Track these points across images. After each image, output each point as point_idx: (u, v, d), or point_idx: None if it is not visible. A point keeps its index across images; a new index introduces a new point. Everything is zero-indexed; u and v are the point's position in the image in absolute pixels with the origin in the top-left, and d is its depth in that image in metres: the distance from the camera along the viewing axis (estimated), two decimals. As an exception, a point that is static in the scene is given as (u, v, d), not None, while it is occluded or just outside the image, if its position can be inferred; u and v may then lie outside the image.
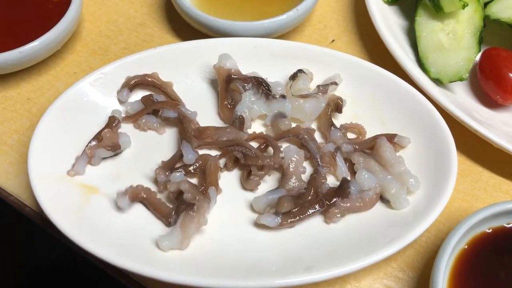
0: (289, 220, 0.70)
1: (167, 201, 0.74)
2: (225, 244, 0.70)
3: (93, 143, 0.76)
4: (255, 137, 0.80)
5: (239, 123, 0.80)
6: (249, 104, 0.81)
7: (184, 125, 0.79)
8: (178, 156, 0.76)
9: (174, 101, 0.83)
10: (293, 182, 0.75)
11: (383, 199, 0.75)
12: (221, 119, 0.84)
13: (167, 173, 0.74)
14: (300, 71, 0.83)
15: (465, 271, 0.67)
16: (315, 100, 0.81)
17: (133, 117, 0.81)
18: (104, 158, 0.77)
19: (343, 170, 0.77)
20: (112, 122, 0.79)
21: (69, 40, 0.92)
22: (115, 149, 0.77)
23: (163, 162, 0.76)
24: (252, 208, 0.75)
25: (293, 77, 0.83)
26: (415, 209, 0.73)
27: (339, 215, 0.72)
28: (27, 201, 0.79)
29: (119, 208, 0.72)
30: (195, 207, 0.69)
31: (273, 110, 0.81)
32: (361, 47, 0.98)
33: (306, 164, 0.79)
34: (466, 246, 0.68)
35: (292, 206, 0.71)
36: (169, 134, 0.82)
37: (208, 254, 0.69)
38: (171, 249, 0.68)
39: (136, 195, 0.73)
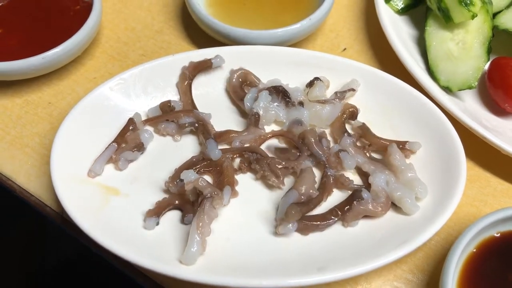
0: (304, 229, 0.73)
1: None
2: (240, 244, 0.72)
3: (113, 145, 0.79)
4: (277, 134, 0.83)
5: (255, 120, 0.82)
6: (265, 102, 0.83)
7: (205, 127, 0.82)
8: (187, 164, 0.79)
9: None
10: (305, 188, 0.76)
11: (393, 204, 0.77)
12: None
13: (176, 182, 0.76)
14: (316, 78, 0.85)
15: (473, 274, 0.68)
16: (332, 106, 0.83)
17: (150, 120, 0.84)
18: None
19: (349, 164, 0.79)
20: (130, 124, 0.81)
21: (89, 46, 0.95)
22: (140, 149, 0.80)
23: (174, 171, 0.78)
24: (266, 208, 0.77)
25: (310, 84, 0.85)
26: (425, 213, 0.74)
27: (354, 219, 0.74)
28: (48, 201, 0.81)
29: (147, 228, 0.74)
30: (213, 200, 0.71)
31: (291, 118, 0.84)
32: (372, 56, 1.00)
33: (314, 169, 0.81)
34: (475, 250, 0.70)
35: (300, 214, 0.73)
36: (187, 139, 0.84)
37: (223, 253, 0.71)
38: (198, 257, 0.69)
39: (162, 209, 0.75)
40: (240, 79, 0.87)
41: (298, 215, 0.72)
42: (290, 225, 0.72)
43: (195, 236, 0.69)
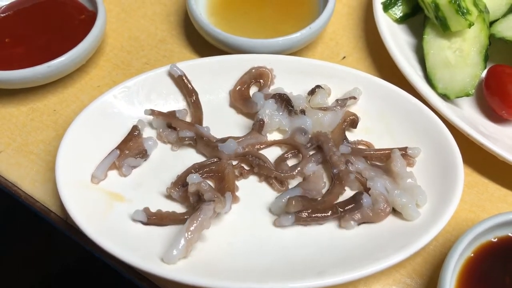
0: (301, 220, 0.74)
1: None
2: (241, 249, 0.74)
3: (116, 151, 0.80)
4: (279, 142, 0.85)
5: (259, 126, 0.84)
6: (271, 111, 0.84)
7: (206, 142, 0.83)
8: (190, 171, 0.80)
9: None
10: (312, 188, 0.78)
11: (393, 209, 0.78)
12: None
13: (178, 188, 0.77)
14: (318, 86, 0.86)
15: (471, 278, 0.69)
16: (333, 113, 0.84)
17: (162, 114, 0.84)
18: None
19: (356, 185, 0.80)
20: (134, 131, 0.83)
21: (94, 55, 0.97)
22: (144, 156, 0.82)
23: (176, 177, 0.80)
24: (266, 213, 0.78)
25: (312, 92, 0.86)
26: (423, 219, 0.75)
27: (353, 223, 0.75)
28: (52, 207, 0.82)
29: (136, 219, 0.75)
30: (215, 203, 0.71)
31: (294, 126, 0.85)
32: (371, 64, 1.01)
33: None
34: (472, 254, 0.71)
35: (301, 206, 0.74)
36: (188, 147, 0.85)
37: (224, 257, 0.72)
38: (178, 259, 0.70)
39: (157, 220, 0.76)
40: (254, 76, 0.89)
41: (299, 206, 0.73)
42: (290, 216, 0.73)
43: (182, 240, 0.70)
